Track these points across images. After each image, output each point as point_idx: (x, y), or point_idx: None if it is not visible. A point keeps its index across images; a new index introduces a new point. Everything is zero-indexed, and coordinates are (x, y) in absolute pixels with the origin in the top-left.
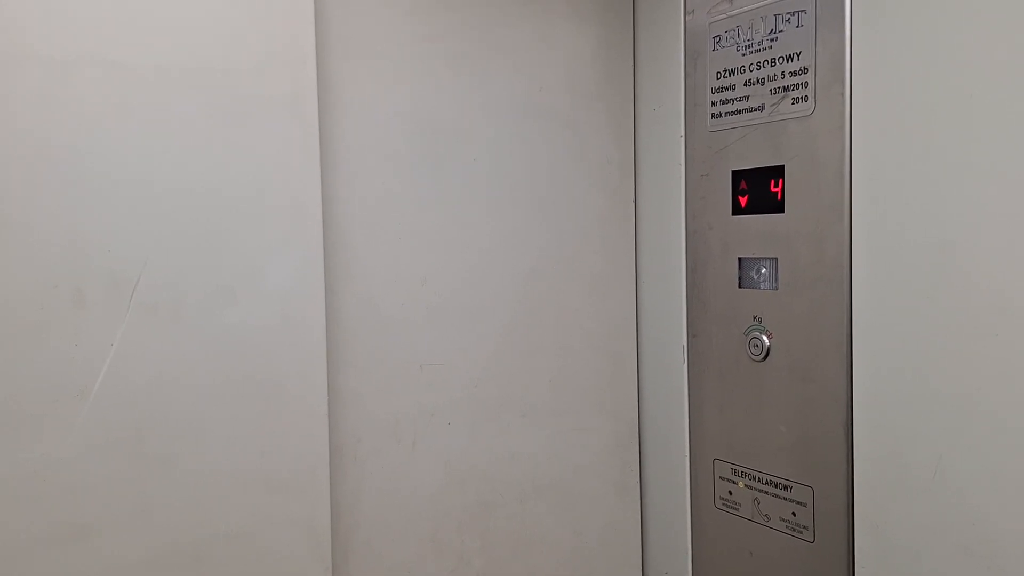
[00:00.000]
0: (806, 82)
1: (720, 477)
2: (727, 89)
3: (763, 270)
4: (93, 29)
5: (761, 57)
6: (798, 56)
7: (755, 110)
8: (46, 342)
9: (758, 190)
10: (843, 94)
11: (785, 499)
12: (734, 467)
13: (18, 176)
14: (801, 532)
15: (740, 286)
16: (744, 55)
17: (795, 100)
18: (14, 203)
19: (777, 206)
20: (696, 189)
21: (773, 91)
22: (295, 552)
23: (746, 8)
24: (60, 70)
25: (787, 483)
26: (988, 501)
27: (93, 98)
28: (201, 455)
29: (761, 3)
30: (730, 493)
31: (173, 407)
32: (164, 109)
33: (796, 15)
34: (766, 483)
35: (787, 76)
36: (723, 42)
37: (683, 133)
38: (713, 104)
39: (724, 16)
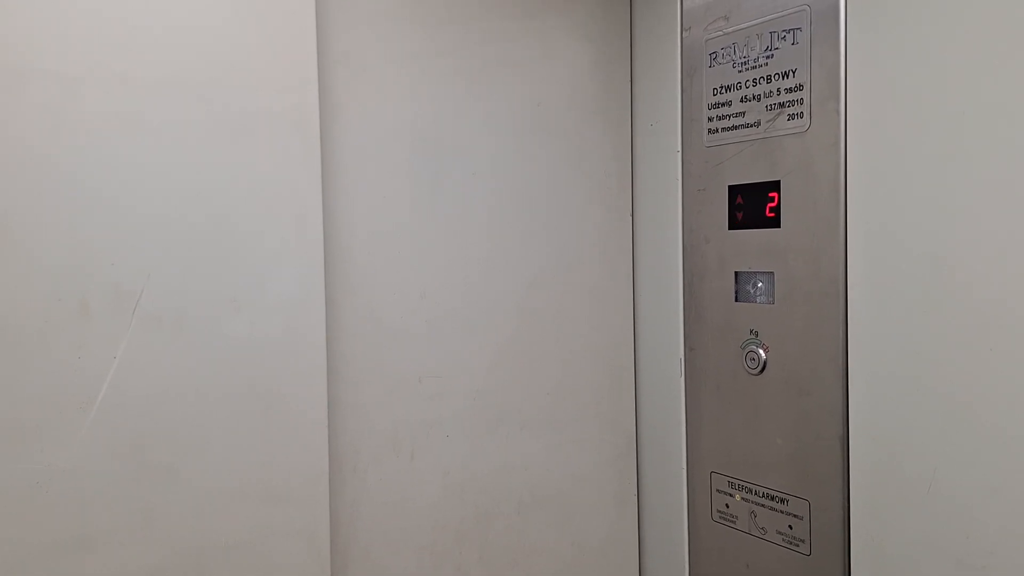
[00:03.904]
0: (801, 98)
1: (717, 490)
2: (723, 105)
3: (759, 284)
4: (98, 45)
5: (757, 74)
6: (794, 73)
7: (751, 126)
8: (50, 353)
9: (754, 205)
10: (838, 110)
11: (782, 512)
12: (731, 480)
13: (23, 188)
14: (797, 545)
15: (737, 300)
16: (740, 71)
17: (791, 116)
18: (19, 215)
19: (773, 221)
20: (693, 203)
21: (769, 107)
22: (295, 562)
23: (742, 25)
24: (65, 84)
25: (783, 496)
26: (983, 514)
27: (98, 112)
28: (202, 466)
29: (757, 20)
30: (727, 506)
31: (175, 418)
32: (167, 123)
33: (792, 32)
34: (763, 496)
35: (783, 92)
36: (719, 59)
37: (680, 148)
38: (709, 120)
39: (720, 33)
